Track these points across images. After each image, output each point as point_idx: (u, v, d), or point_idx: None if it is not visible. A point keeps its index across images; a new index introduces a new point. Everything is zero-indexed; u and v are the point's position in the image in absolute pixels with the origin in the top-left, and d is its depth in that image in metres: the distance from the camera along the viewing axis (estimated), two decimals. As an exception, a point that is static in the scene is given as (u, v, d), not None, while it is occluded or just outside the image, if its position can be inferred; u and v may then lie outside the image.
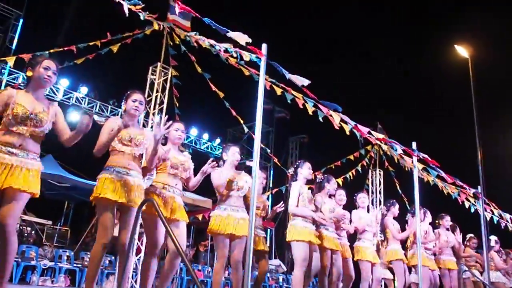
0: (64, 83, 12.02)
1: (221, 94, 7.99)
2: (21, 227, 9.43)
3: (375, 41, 20.97)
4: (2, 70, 10.45)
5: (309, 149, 17.75)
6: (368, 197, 6.06)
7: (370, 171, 12.50)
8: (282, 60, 3.75)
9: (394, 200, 6.33)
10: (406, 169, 9.75)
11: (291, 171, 5.36)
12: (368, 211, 5.95)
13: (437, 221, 6.95)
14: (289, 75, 3.69)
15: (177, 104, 8.65)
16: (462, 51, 8.65)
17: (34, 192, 3.00)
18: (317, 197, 5.12)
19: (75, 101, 12.34)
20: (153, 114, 7.40)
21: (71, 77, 12.19)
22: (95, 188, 3.36)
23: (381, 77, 20.75)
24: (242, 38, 3.40)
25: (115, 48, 7.47)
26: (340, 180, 11.20)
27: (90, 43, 6.71)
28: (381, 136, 5.71)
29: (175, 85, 8.30)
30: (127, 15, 4.79)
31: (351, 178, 11.57)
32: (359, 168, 11.79)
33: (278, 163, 10.27)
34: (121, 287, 3.12)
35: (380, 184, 12.43)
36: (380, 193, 12.38)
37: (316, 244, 4.71)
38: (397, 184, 12.04)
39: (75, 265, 8.74)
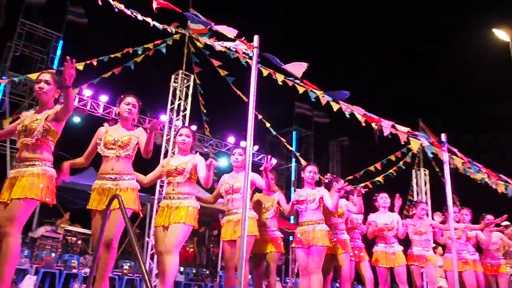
0: (104, 98, 12.48)
1: (245, 99, 7.93)
2: (66, 237, 9.85)
3: (407, 27, 20.07)
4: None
5: (350, 152, 17.29)
6: (388, 198, 5.68)
7: (414, 171, 11.91)
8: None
9: (417, 201, 5.98)
10: (451, 166, 9.19)
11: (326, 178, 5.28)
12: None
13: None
14: (284, 65, 3.53)
15: (204, 111, 8.72)
16: (502, 35, 8.10)
17: (25, 197, 3.03)
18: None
19: (115, 116, 12.75)
20: (176, 121, 7.46)
21: (110, 92, 12.64)
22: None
23: (412, 66, 19.84)
24: (228, 31, 3.30)
25: (139, 59, 7.63)
26: (380, 179, 10.77)
27: (112, 56, 6.88)
28: (406, 129, 5.38)
29: (200, 92, 8.36)
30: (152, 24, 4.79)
31: (393, 178, 11.06)
32: (401, 165, 11.24)
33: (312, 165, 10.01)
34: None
35: (425, 184, 11.79)
36: (426, 194, 11.73)
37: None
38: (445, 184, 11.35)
39: (114, 273, 8.95)
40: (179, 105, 7.67)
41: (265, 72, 6.45)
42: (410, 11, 20.24)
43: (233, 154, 4.62)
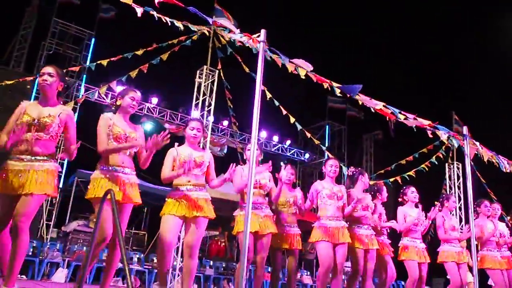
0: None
1: (269, 95, 7.86)
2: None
3: (443, 18, 19.19)
4: (78, 87, 11.39)
5: (384, 146, 16.86)
6: (416, 192, 5.50)
7: (447, 164, 11.51)
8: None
9: (449, 194, 5.75)
10: (484, 159, 8.81)
11: (350, 171, 5.21)
12: (416, 206, 5.46)
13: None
14: (290, 60, 3.47)
15: (231, 106, 8.73)
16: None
17: (44, 193, 3.14)
18: (351, 193, 4.78)
19: (147, 112, 13.00)
20: (201, 116, 7.50)
21: (141, 88, 12.86)
22: (90, 189, 3.36)
23: (447, 57, 19.01)
24: (230, 25, 3.27)
25: (164, 57, 7.70)
26: (411, 173, 10.46)
27: (137, 52, 6.99)
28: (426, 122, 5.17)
29: (226, 87, 8.37)
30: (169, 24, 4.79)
31: (425, 172, 10.71)
32: (434, 160, 10.86)
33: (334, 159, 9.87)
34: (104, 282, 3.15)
35: (458, 179, 11.38)
36: (459, 188, 11.33)
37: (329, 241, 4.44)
38: (480, 178, 10.91)
39: (145, 266, 9.15)
40: (203, 100, 7.71)
41: (290, 68, 6.36)
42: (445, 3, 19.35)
43: (249, 150, 4.57)
